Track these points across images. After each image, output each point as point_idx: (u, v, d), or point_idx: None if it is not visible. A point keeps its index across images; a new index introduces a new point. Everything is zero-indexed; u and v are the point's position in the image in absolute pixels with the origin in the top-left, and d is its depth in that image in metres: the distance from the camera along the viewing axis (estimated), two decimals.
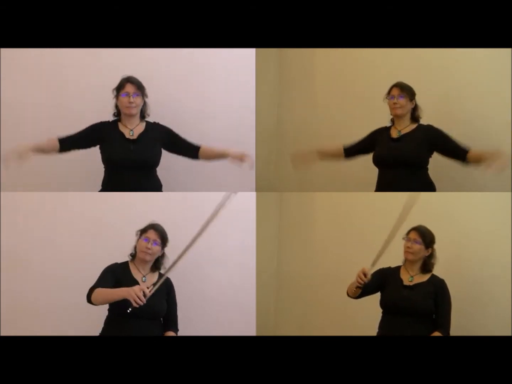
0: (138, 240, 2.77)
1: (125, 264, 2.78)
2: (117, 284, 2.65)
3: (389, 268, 2.81)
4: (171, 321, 2.81)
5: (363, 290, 2.71)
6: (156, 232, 2.75)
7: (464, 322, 2.91)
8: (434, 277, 2.74)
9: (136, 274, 2.74)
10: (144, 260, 2.73)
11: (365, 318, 2.95)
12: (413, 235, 2.74)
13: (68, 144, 2.84)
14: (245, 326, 3.15)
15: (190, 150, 2.94)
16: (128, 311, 2.47)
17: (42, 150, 2.78)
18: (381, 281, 2.78)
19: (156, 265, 2.79)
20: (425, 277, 2.73)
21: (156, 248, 2.74)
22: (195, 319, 3.12)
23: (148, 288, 2.48)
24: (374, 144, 2.95)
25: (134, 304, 2.43)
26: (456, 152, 2.78)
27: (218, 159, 2.91)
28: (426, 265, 2.75)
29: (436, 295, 2.67)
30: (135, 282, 2.70)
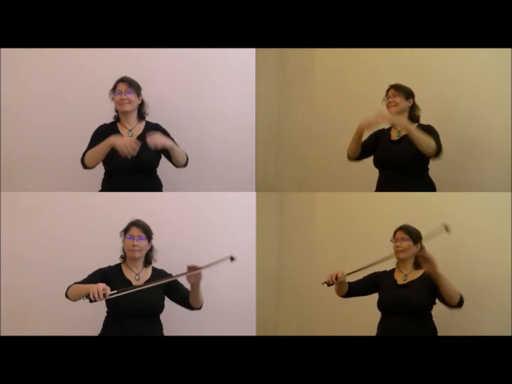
0: (123, 240, 2.77)
1: (118, 266, 2.79)
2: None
3: (384, 271, 2.83)
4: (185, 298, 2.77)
5: (350, 290, 2.80)
6: (139, 228, 2.75)
7: (464, 322, 2.91)
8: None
9: (128, 274, 2.75)
10: (134, 258, 2.74)
11: (365, 318, 2.95)
12: (400, 234, 2.77)
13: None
14: (245, 326, 3.15)
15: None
16: (84, 298, 2.50)
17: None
18: (374, 284, 2.82)
19: (147, 260, 2.80)
20: (418, 273, 2.74)
21: (143, 243, 2.75)
22: (195, 319, 3.12)
23: (111, 293, 2.49)
24: (377, 145, 2.96)
25: (91, 297, 2.45)
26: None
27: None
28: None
29: (430, 288, 2.66)
30: (128, 282, 2.72)
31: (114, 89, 2.87)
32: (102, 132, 2.88)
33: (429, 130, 2.84)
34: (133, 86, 2.88)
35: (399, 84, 2.90)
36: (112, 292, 2.51)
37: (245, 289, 3.19)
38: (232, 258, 2.55)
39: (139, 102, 2.91)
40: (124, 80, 2.87)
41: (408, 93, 2.89)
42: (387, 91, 2.91)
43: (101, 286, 2.47)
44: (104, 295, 2.46)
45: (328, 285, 2.75)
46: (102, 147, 2.78)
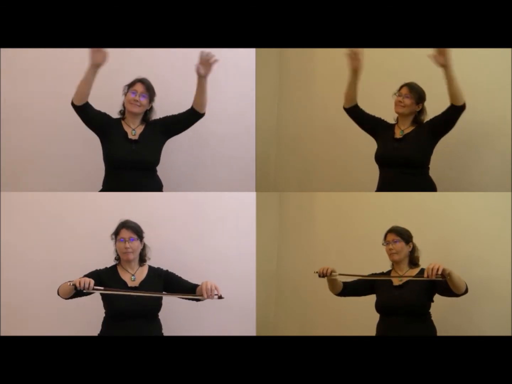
0: (115, 243, 2.76)
1: (113, 267, 2.78)
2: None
3: (381, 273, 2.83)
4: (191, 287, 2.74)
5: (345, 289, 2.82)
6: (129, 230, 2.74)
7: (464, 322, 2.91)
8: (423, 270, 2.73)
9: (124, 274, 2.74)
10: (128, 260, 2.73)
11: (364, 318, 2.95)
12: (391, 236, 2.77)
13: (90, 108, 2.85)
14: (245, 326, 3.15)
15: (187, 115, 2.92)
16: (70, 284, 2.48)
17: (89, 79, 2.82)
18: (370, 285, 2.81)
19: (141, 258, 2.79)
20: (413, 273, 2.74)
21: (135, 244, 2.73)
22: (195, 319, 3.12)
23: (96, 287, 2.51)
24: (375, 131, 2.95)
25: (77, 284, 2.46)
26: (447, 113, 2.79)
27: (201, 88, 2.88)
28: (412, 260, 2.77)
29: (426, 287, 2.66)
30: (124, 283, 2.71)
31: (130, 86, 2.87)
32: (107, 118, 2.88)
33: (428, 123, 2.85)
34: (150, 91, 2.88)
35: (415, 85, 2.87)
36: (98, 288, 2.52)
37: (245, 289, 3.19)
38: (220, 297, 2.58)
39: (149, 107, 2.91)
40: (143, 81, 2.87)
41: (420, 98, 2.86)
42: (401, 87, 2.88)
43: (87, 278, 2.49)
44: (89, 286, 2.46)
45: (319, 276, 2.76)
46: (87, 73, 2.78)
